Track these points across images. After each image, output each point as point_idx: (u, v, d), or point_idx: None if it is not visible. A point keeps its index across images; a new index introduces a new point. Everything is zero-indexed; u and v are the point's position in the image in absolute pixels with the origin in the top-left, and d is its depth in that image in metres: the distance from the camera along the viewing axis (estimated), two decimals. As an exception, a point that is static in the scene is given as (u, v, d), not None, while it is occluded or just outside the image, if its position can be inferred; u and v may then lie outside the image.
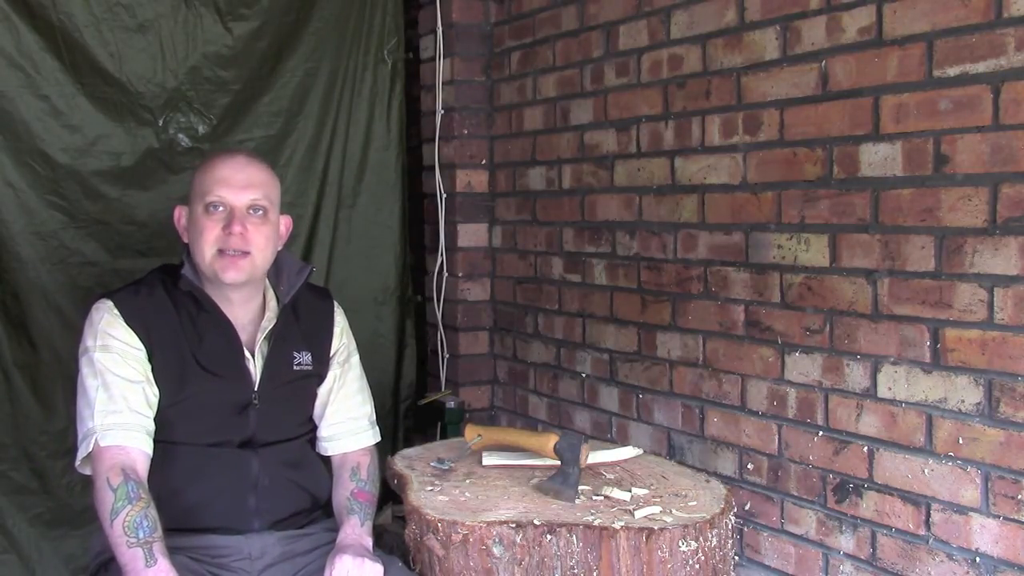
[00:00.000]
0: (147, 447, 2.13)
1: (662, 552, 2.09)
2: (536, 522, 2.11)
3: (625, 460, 2.58)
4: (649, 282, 3.02)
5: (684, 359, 2.90)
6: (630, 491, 2.31)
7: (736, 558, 2.49)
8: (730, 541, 2.24)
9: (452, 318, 3.79)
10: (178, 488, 2.18)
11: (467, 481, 2.40)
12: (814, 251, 2.48)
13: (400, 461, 2.58)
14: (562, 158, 3.37)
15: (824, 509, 2.50)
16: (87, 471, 2.14)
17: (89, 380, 2.15)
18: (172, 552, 2.01)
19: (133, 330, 2.17)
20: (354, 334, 2.51)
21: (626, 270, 3.11)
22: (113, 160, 3.23)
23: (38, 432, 3.13)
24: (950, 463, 2.21)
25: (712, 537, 2.15)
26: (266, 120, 3.48)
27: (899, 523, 2.32)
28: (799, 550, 2.58)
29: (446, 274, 3.79)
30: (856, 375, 2.40)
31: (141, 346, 2.17)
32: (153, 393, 2.17)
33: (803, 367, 2.53)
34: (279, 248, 2.33)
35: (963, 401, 2.17)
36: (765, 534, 2.67)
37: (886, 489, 2.35)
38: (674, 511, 2.19)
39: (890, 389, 2.32)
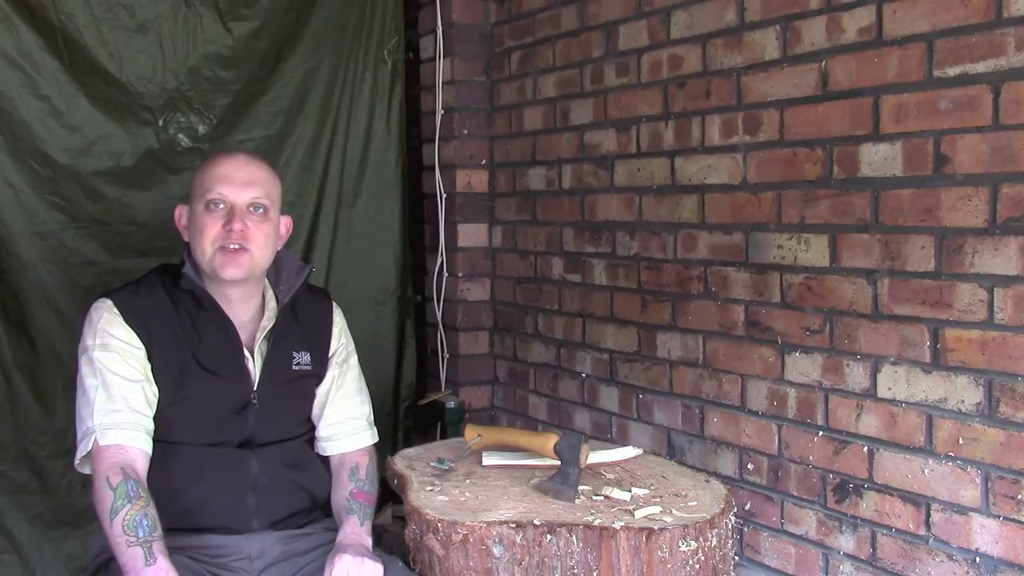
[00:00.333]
0: (146, 446, 2.13)
1: (662, 552, 2.09)
2: (536, 522, 2.11)
3: (625, 460, 2.58)
4: (649, 282, 3.02)
5: (684, 359, 2.90)
6: (630, 491, 2.31)
7: (736, 558, 2.49)
8: (730, 541, 2.24)
9: (452, 318, 3.79)
10: (177, 488, 2.18)
11: (467, 481, 2.40)
12: (814, 251, 2.48)
13: (400, 461, 2.58)
14: (562, 158, 3.37)
15: (824, 509, 2.50)
16: (86, 470, 2.14)
17: (88, 379, 2.15)
18: (172, 552, 2.01)
19: (133, 329, 2.17)
20: (354, 334, 2.51)
21: (626, 270, 3.11)
22: (113, 160, 3.23)
23: (38, 432, 3.12)
24: (950, 463, 2.21)
25: (712, 537, 2.15)
26: (266, 120, 3.48)
27: (899, 523, 2.32)
28: (799, 550, 2.58)
29: (446, 274, 3.79)
30: (856, 375, 2.40)
31: (141, 345, 2.17)
32: (152, 392, 2.17)
33: (803, 367, 2.53)
34: (279, 248, 2.33)
35: (963, 401, 2.17)
36: (765, 534, 2.67)
37: (886, 489, 2.35)
38: (674, 511, 2.19)
39: (890, 389, 2.32)
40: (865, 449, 2.39)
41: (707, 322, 2.81)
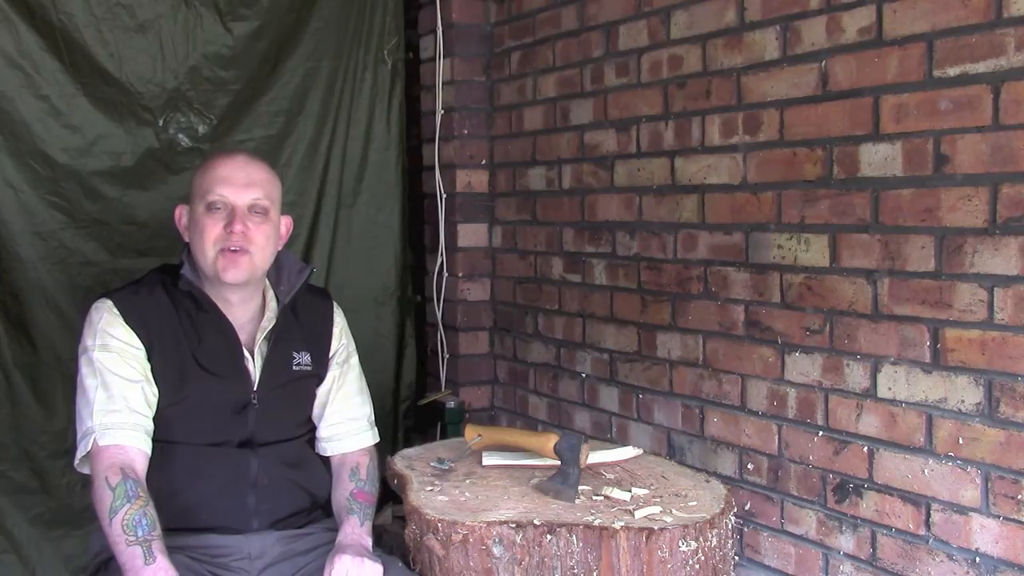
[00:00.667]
0: (146, 446, 2.13)
1: (662, 552, 2.09)
2: (536, 522, 2.11)
3: (625, 460, 2.58)
4: (649, 282, 3.02)
5: (684, 359, 2.90)
6: (630, 491, 2.31)
7: (736, 558, 2.49)
8: (730, 541, 2.24)
9: (452, 318, 3.79)
10: (177, 487, 2.18)
11: (467, 481, 2.40)
12: (814, 251, 2.48)
13: (400, 461, 2.58)
14: (562, 158, 3.37)
15: (824, 509, 2.50)
16: (86, 470, 2.14)
17: (88, 379, 2.15)
18: (171, 551, 2.01)
19: (132, 329, 2.17)
20: (354, 334, 2.51)
21: (626, 270, 3.11)
22: (113, 160, 3.23)
23: (38, 432, 3.12)
24: (950, 463, 2.21)
25: (712, 537, 2.15)
26: (266, 120, 3.48)
27: (899, 523, 2.32)
28: (799, 550, 2.58)
29: (446, 274, 3.79)
30: (856, 375, 2.40)
31: (140, 345, 2.17)
32: (152, 392, 2.17)
33: (803, 367, 2.53)
34: (279, 248, 2.33)
35: (963, 401, 2.17)
36: (765, 534, 2.67)
37: (886, 489, 2.35)
38: (674, 511, 2.19)
39: (890, 389, 2.32)
40: (865, 449, 2.39)
41: (707, 322, 2.81)
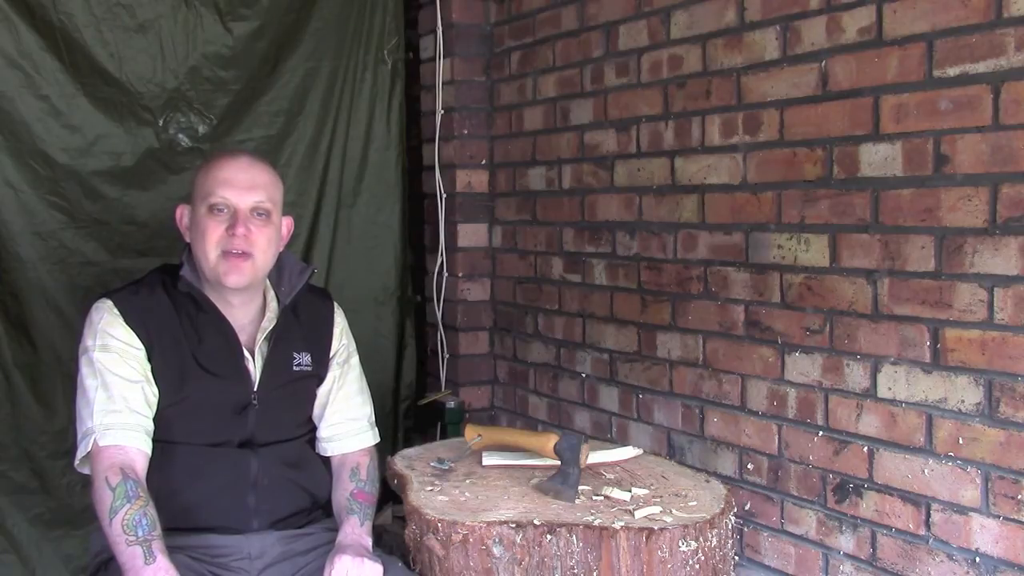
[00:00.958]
0: (146, 446, 2.13)
1: (662, 552, 2.09)
2: (536, 522, 2.11)
3: (625, 460, 2.58)
4: (649, 282, 3.02)
5: (684, 359, 2.90)
6: (630, 491, 2.31)
7: (736, 558, 2.49)
8: (730, 541, 2.24)
9: (452, 318, 3.79)
10: (177, 488, 2.18)
11: (467, 481, 2.40)
12: (814, 251, 2.48)
13: (400, 461, 2.58)
14: (562, 158, 3.37)
15: (824, 509, 2.50)
16: (86, 470, 2.14)
17: (88, 380, 2.15)
18: (172, 551, 2.01)
19: (133, 329, 2.17)
20: (354, 334, 2.51)
21: (626, 270, 3.11)
22: (113, 160, 3.23)
23: (38, 432, 3.12)
24: (950, 463, 2.21)
25: (712, 537, 2.15)
26: (266, 120, 3.48)
27: (899, 523, 2.32)
28: (799, 550, 2.58)
29: (446, 274, 3.79)
30: (856, 375, 2.40)
31: (141, 346, 2.17)
32: (152, 393, 2.17)
33: (803, 367, 2.53)
34: (280, 249, 2.32)
35: (963, 401, 2.17)
36: (765, 534, 2.67)
37: (886, 489, 2.35)
38: (674, 511, 2.19)
39: (890, 389, 2.32)
40: (865, 449, 2.39)
41: (707, 322, 2.81)
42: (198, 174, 2.27)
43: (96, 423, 2.10)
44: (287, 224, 2.35)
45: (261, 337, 2.29)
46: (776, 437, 2.62)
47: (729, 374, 2.75)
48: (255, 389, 2.25)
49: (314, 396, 2.39)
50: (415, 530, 2.19)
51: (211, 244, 2.18)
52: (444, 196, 3.77)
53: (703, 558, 2.13)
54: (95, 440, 2.09)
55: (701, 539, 2.12)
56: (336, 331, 2.43)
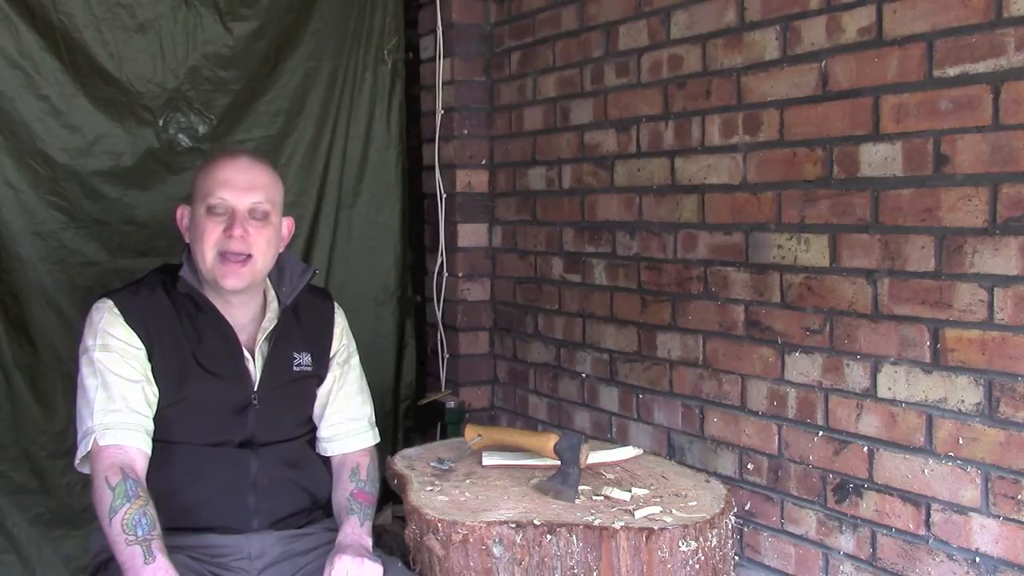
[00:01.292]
0: (146, 446, 2.13)
1: (662, 552, 2.09)
2: (536, 522, 2.11)
3: (625, 460, 2.58)
4: (649, 282, 3.02)
5: (684, 359, 2.90)
6: (630, 491, 2.31)
7: (736, 558, 2.49)
8: (730, 541, 2.24)
9: (452, 318, 3.79)
10: (177, 487, 2.18)
11: (467, 481, 2.40)
12: (814, 251, 2.48)
13: (400, 461, 2.58)
14: (562, 158, 3.37)
15: (824, 509, 2.50)
16: (86, 470, 2.14)
17: (89, 379, 2.15)
18: (172, 551, 2.01)
19: (133, 329, 2.17)
20: (354, 334, 2.51)
21: (626, 270, 3.11)
22: (113, 160, 3.23)
23: (38, 432, 3.12)
24: (950, 463, 2.21)
25: (712, 537, 2.15)
26: (266, 120, 3.48)
27: (899, 523, 2.32)
28: (799, 550, 2.58)
29: (446, 274, 3.79)
30: (856, 375, 2.40)
31: (141, 345, 2.17)
32: (152, 392, 2.17)
33: (803, 367, 2.53)
34: (281, 250, 2.32)
35: (963, 401, 2.17)
36: (765, 534, 2.67)
37: (886, 489, 2.35)
38: (674, 511, 2.19)
39: (890, 389, 2.32)
40: (865, 449, 2.39)
41: (707, 322, 2.81)
42: (198, 174, 2.27)
43: (96, 423, 2.10)
44: (287, 225, 2.35)
45: (261, 337, 2.29)
46: (776, 437, 2.62)
47: (729, 374, 2.75)
48: (255, 389, 2.25)
49: (314, 396, 2.39)
50: (415, 530, 2.19)
51: (209, 245, 2.18)
52: (444, 196, 3.77)
53: (703, 558, 2.13)
54: (95, 440, 2.09)
55: (701, 539, 2.12)
56: (336, 331, 2.43)
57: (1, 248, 3.10)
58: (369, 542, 2.20)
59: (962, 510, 2.19)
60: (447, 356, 3.82)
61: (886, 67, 2.28)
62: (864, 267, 2.37)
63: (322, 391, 2.39)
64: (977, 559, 2.16)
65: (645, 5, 2.97)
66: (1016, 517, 2.09)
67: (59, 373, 3.08)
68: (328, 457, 2.41)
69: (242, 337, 2.27)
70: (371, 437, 2.45)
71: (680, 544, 2.10)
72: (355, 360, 2.47)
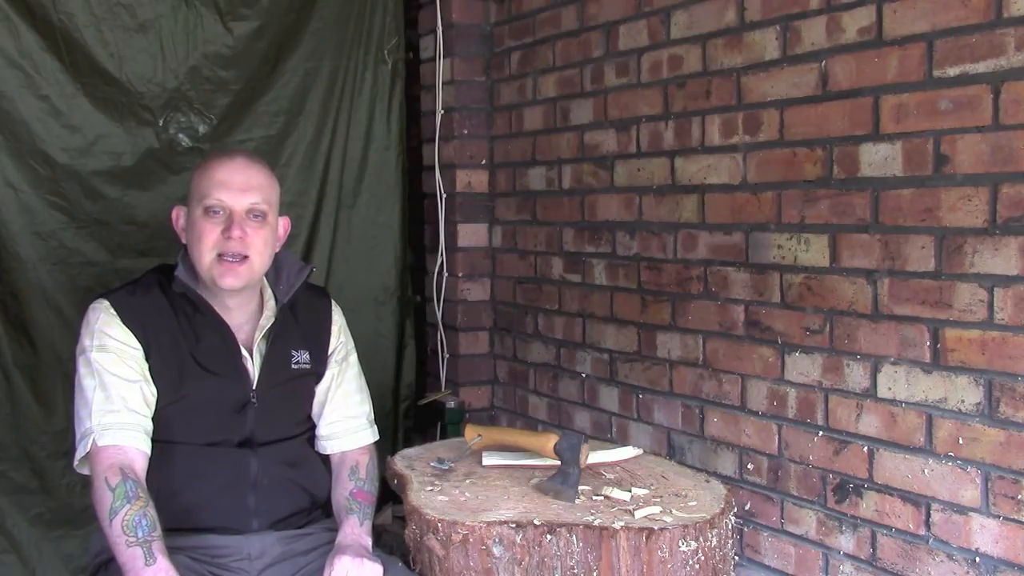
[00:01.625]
0: (145, 446, 2.13)
1: (662, 552, 2.09)
2: (536, 522, 2.11)
3: (625, 460, 2.58)
4: (649, 282, 3.02)
5: (684, 359, 2.90)
6: (630, 491, 2.31)
7: (736, 558, 2.49)
8: (730, 541, 2.24)
9: (452, 318, 3.79)
10: (177, 488, 2.18)
11: (467, 481, 2.40)
12: (814, 251, 2.48)
13: (400, 461, 2.58)
14: (562, 158, 3.37)
15: (824, 509, 2.50)
16: (86, 471, 2.14)
17: (87, 380, 2.15)
18: (172, 552, 2.01)
19: (130, 329, 2.17)
20: (354, 334, 2.51)
21: (626, 270, 3.11)
22: (113, 160, 3.23)
23: (38, 432, 3.12)
24: (950, 463, 2.21)
25: (712, 537, 2.15)
26: (266, 120, 3.48)
27: (899, 523, 2.32)
28: (799, 550, 2.58)
29: (446, 274, 3.79)
30: (856, 375, 2.40)
31: (138, 345, 2.17)
32: (151, 392, 2.17)
33: (803, 367, 2.53)
34: (277, 249, 2.32)
35: (963, 401, 2.17)
36: (765, 534, 2.67)
37: (886, 489, 2.35)
38: (674, 511, 2.19)
39: (890, 389, 2.32)
40: (865, 449, 2.39)
41: (707, 322, 2.81)
42: (194, 175, 2.27)
43: (95, 423, 2.10)
44: (284, 224, 2.35)
45: (259, 336, 2.29)
46: (776, 437, 2.62)
47: (729, 374, 2.75)
48: (254, 387, 2.25)
49: (313, 394, 2.39)
50: (415, 530, 2.19)
51: (207, 247, 2.18)
52: (444, 196, 3.77)
53: (703, 558, 2.13)
54: (94, 440, 2.09)
55: (701, 539, 2.12)
56: (334, 329, 2.43)
57: (1, 248, 3.10)
58: (369, 542, 2.20)
59: (962, 510, 2.19)
60: (447, 356, 3.82)
61: (886, 67, 2.28)
62: (864, 267, 2.36)
63: (320, 389, 2.39)
64: (977, 559, 2.16)
65: (645, 5, 2.97)
66: (1016, 517, 2.09)
67: (59, 373, 3.08)
68: (327, 456, 2.41)
69: (240, 336, 2.27)
70: (370, 435, 2.44)
71: (680, 544, 2.10)
72: (353, 358, 2.47)
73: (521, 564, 2.09)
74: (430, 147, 3.82)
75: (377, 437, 2.47)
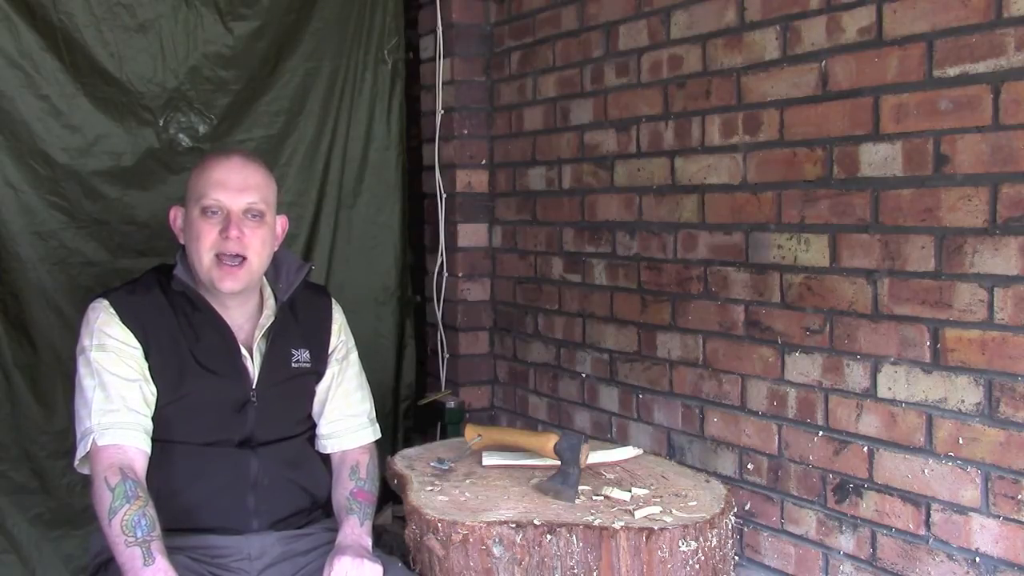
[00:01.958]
0: (145, 446, 2.13)
1: (662, 552, 2.09)
2: (536, 522, 2.11)
3: (625, 460, 2.58)
4: (649, 282, 3.02)
5: (684, 359, 2.90)
6: (630, 491, 2.31)
7: (736, 558, 2.49)
8: (730, 541, 2.24)
9: (452, 318, 3.79)
10: (177, 488, 2.18)
11: (467, 481, 2.40)
12: (814, 251, 2.48)
13: (400, 461, 2.58)
14: (562, 158, 3.37)
15: (824, 509, 2.50)
16: (86, 471, 2.14)
17: (86, 380, 2.15)
18: (171, 552, 2.01)
19: (129, 329, 2.17)
20: (354, 334, 2.51)
21: (626, 270, 3.11)
22: (113, 160, 3.23)
23: (38, 432, 3.12)
24: (950, 463, 2.21)
25: (712, 537, 2.15)
26: (266, 120, 3.48)
27: (899, 523, 2.32)
28: (799, 550, 2.57)
29: (446, 274, 3.79)
30: (856, 375, 2.40)
31: (137, 344, 2.17)
32: (151, 391, 2.17)
33: (803, 367, 2.53)
34: (276, 248, 2.32)
35: (963, 401, 2.17)
36: (765, 534, 2.67)
37: (886, 489, 2.35)
38: (674, 511, 2.19)
39: (890, 389, 2.32)
40: (865, 449, 2.39)
41: (707, 322, 2.81)
42: (192, 175, 2.27)
43: (94, 423, 2.10)
44: (282, 223, 2.35)
45: (259, 334, 2.29)
46: (776, 437, 2.62)
47: (729, 374, 2.75)
48: (254, 386, 2.25)
49: (313, 393, 2.39)
50: (415, 530, 2.19)
51: (205, 247, 2.18)
52: (444, 196, 3.78)
53: (703, 558, 2.13)
54: (94, 440, 2.09)
55: (701, 539, 2.12)
56: (334, 327, 2.43)
57: (1, 248, 3.10)
58: (369, 542, 2.20)
59: (962, 510, 2.19)
60: (447, 356, 3.82)
61: (886, 67, 2.28)
62: (864, 267, 2.36)
63: (321, 388, 2.39)
64: (977, 559, 2.16)
65: (645, 5, 2.97)
66: (1016, 517, 2.09)
67: (59, 373, 3.08)
68: (327, 455, 2.41)
69: (240, 335, 2.27)
70: (371, 433, 2.45)
71: (680, 544, 2.10)
72: (354, 356, 2.47)
73: (521, 564, 2.09)
74: (430, 147, 3.82)
75: (379, 436, 2.47)
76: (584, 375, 3.33)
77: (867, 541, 2.40)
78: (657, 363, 3.01)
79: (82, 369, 2.16)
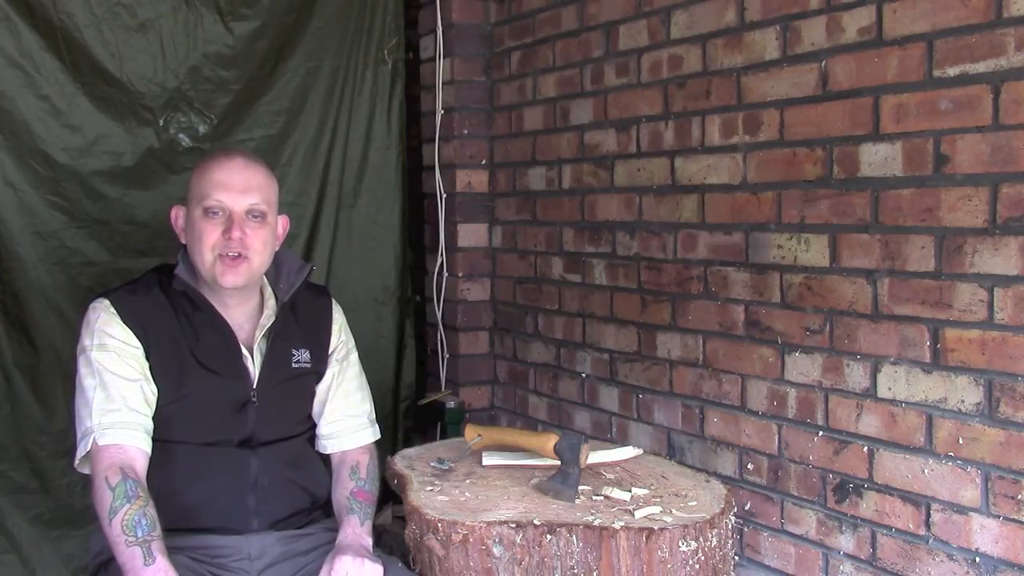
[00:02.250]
0: (145, 445, 2.13)
1: (662, 552, 2.09)
2: (536, 522, 2.11)
3: (625, 460, 2.58)
4: (649, 282, 3.02)
5: (684, 359, 2.90)
6: (630, 491, 2.31)
7: (736, 558, 2.49)
8: (730, 541, 2.24)
9: (452, 318, 3.79)
10: (177, 488, 2.18)
11: (467, 481, 2.40)
12: (814, 251, 2.48)
13: (400, 461, 2.58)
14: (562, 158, 3.37)
15: (824, 509, 2.50)
16: (86, 470, 2.14)
17: (87, 379, 2.15)
18: (172, 552, 2.01)
19: (130, 328, 2.17)
20: (354, 334, 2.51)
21: (626, 270, 3.11)
22: (114, 160, 3.23)
23: (38, 432, 3.12)
24: (950, 463, 2.21)
25: (712, 537, 2.15)
26: (267, 120, 3.48)
27: (899, 523, 2.32)
28: (799, 550, 2.58)
29: (446, 274, 3.79)
30: (856, 375, 2.40)
31: (138, 344, 2.17)
32: (151, 391, 2.17)
33: (803, 367, 2.53)
34: (277, 248, 2.32)
35: (963, 401, 2.17)
36: (765, 534, 2.67)
37: (886, 489, 2.35)
38: (674, 511, 2.19)
39: (890, 389, 2.32)
40: (865, 449, 2.39)
41: (707, 322, 2.81)
42: (193, 175, 2.27)
43: (95, 423, 2.10)
44: (283, 223, 2.35)
45: (260, 334, 2.29)
46: (776, 437, 2.62)
47: (729, 374, 2.75)
48: (254, 386, 2.26)
49: (313, 393, 2.39)
50: (415, 530, 2.19)
51: (207, 247, 2.18)
52: (444, 196, 3.78)
53: (703, 558, 2.13)
54: (94, 440, 2.09)
55: (701, 539, 2.12)
56: (335, 327, 2.43)
57: (1, 248, 3.09)
58: (369, 542, 2.20)
59: (962, 510, 2.19)
60: (447, 356, 3.82)
61: (886, 67, 2.28)
62: (864, 267, 2.37)
63: (321, 388, 2.39)
64: (977, 559, 2.16)
65: (645, 5, 2.97)
66: (1016, 517, 2.09)
67: (59, 373, 3.08)
68: (327, 455, 2.41)
69: (240, 335, 2.27)
70: (371, 433, 2.45)
71: (680, 544, 2.10)
72: (354, 357, 2.47)
73: (521, 564, 2.09)
74: (430, 147, 3.82)
75: (378, 436, 2.47)
76: (584, 375, 3.33)
77: (867, 541, 2.40)
78: (657, 363, 3.01)
79: (83, 369, 2.16)
